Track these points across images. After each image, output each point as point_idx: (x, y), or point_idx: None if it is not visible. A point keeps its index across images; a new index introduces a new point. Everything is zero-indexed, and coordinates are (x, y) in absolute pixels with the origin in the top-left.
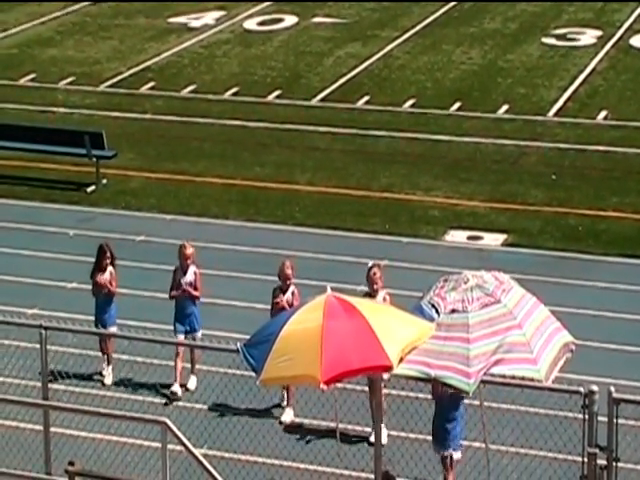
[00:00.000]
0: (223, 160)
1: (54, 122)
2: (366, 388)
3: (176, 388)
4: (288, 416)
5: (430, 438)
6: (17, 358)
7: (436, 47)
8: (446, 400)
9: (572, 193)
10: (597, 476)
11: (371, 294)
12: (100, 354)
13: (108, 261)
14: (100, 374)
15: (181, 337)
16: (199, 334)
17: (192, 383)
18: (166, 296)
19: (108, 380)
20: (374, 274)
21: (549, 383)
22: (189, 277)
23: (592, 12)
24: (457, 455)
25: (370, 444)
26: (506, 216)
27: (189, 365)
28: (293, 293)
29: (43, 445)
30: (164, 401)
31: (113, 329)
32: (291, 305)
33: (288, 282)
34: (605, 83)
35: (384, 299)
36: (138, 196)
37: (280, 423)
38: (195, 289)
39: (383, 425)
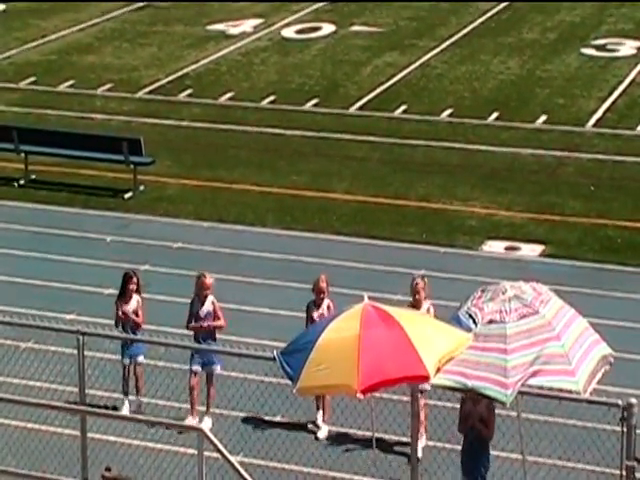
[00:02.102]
0: (260, 168)
1: (94, 128)
2: (403, 397)
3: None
4: (323, 433)
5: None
6: (55, 363)
7: (474, 57)
8: (471, 436)
9: (610, 204)
10: None
11: (415, 305)
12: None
13: (134, 287)
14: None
15: (197, 368)
16: (218, 368)
17: (207, 424)
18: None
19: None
20: (417, 284)
21: (587, 395)
22: (207, 307)
23: (632, 22)
24: None
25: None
26: (544, 227)
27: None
28: (328, 307)
29: (80, 451)
30: (202, 409)
31: (141, 358)
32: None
33: (322, 296)
34: None
35: (427, 310)
36: (175, 203)
37: (316, 439)
38: (217, 319)
39: (423, 435)
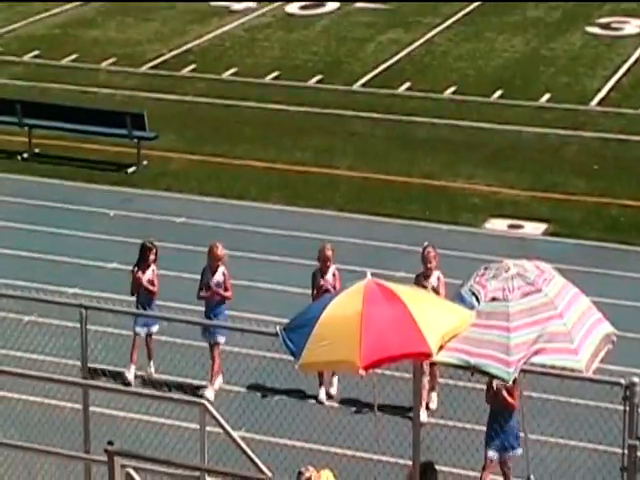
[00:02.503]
0: (263, 144)
1: (98, 102)
2: (405, 374)
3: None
4: (323, 394)
5: (469, 426)
6: (57, 337)
7: (478, 35)
8: (496, 407)
9: (614, 184)
10: (637, 468)
11: (425, 274)
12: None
13: (153, 257)
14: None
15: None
16: (222, 340)
17: (209, 394)
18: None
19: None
20: (428, 253)
21: (590, 374)
22: (218, 277)
23: (636, 1)
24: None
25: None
26: (547, 205)
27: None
28: (334, 275)
29: (82, 424)
30: (203, 383)
31: (155, 328)
32: (334, 287)
33: (328, 264)
34: None
35: (438, 279)
36: (179, 178)
37: (320, 403)
38: (225, 290)
39: (434, 395)
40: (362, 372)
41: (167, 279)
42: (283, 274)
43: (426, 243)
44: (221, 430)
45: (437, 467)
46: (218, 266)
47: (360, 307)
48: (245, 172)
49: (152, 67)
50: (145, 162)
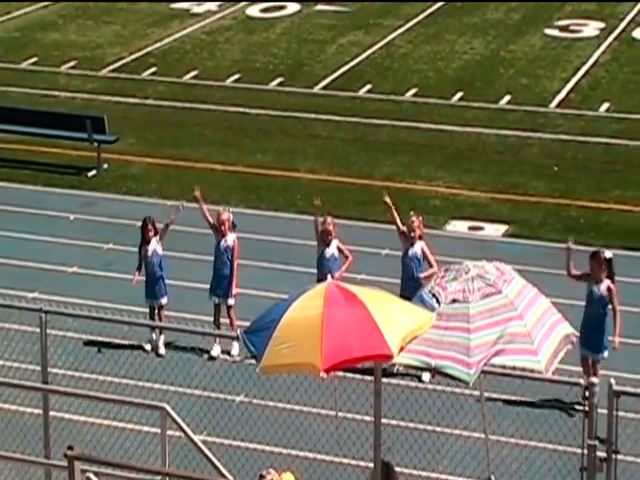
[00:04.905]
0: (224, 146)
1: (57, 106)
2: (366, 377)
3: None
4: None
5: (429, 427)
6: (17, 342)
7: (439, 37)
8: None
9: (574, 185)
10: (597, 468)
11: (412, 242)
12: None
13: (151, 233)
14: (143, 349)
15: (215, 300)
16: (231, 301)
17: (235, 349)
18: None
19: (162, 350)
20: (412, 222)
21: (549, 374)
22: (228, 242)
23: (595, 4)
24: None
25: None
26: (507, 207)
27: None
28: (338, 248)
29: (42, 429)
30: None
31: (164, 300)
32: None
33: (330, 237)
34: (607, 75)
35: (421, 249)
36: (139, 181)
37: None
38: (234, 255)
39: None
40: (323, 374)
41: (127, 283)
42: (244, 277)
43: (411, 213)
44: (182, 434)
45: (398, 469)
46: (226, 231)
47: (321, 309)
48: (206, 175)
49: (112, 70)
50: (105, 165)
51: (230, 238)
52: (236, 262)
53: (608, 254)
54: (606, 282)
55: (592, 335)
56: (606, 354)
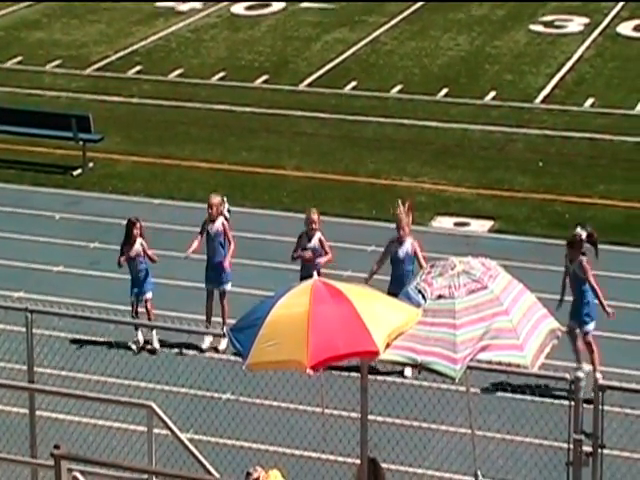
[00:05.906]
0: (210, 144)
1: (42, 105)
2: (353, 374)
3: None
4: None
5: (415, 424)
6: (3, 341)
7: (424, 33)
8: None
9: (559, 180)
10: (582, 462)
11: (398, 240)
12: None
13: (138, 232)
14: (129, 348)
15: (209, 287)
16: (228, 287)
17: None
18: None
19: (157, 344)
20: (400, 220)
21: (535, 369)
22: (217, 226)
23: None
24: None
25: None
26: (493, 202)
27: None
28: (320, 240)
29: (29, 428)
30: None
31: (149, 295)
32: (320, 255)
33: (314, 226)
34: (592, 70)
35: (412, 245)
36: (125, 180)
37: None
38: (227, 239)
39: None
40: (310, 371)
41: (113, 281)
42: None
43: (399, 209)
44: (169, 432)
45: (385, 465)
46: (216, 216)
47: (307, 306)
48: (192, 173)
49: (97, 69)
50: (91, 164)
51: (218, 221)
52: (231, 244)
53: (583, 233)
54: (579, 259)
55: (577, 308)
56: (591, 326)
